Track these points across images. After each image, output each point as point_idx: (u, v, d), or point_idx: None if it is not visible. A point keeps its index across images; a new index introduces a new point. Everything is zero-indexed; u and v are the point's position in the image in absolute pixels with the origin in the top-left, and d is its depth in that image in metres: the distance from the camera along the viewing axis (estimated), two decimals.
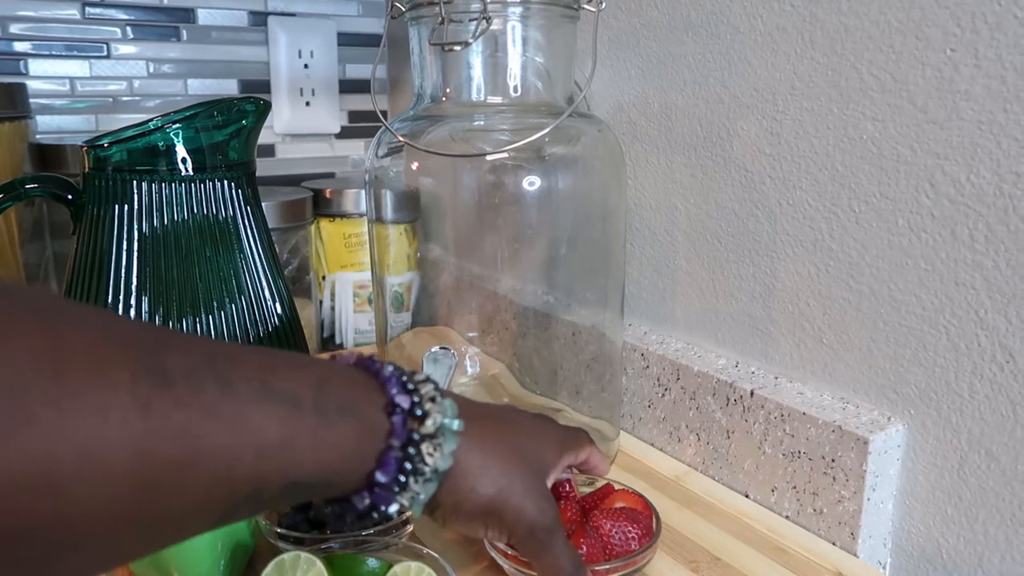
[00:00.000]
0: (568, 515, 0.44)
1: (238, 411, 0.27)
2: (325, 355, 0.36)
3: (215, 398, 0.26)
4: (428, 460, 0.33)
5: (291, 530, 0.44)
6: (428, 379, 0.35)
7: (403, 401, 0.33)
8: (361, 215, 0.89)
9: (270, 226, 0.56)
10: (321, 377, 0.31)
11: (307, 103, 0.98)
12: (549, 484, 0.41)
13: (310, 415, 0.29)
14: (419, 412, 0.33)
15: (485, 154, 0.53)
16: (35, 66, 0.84)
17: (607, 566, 0.42)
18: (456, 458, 0.35)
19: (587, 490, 0.49)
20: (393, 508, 0.33)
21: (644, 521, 0.45)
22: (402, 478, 0.32)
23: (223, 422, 0.26)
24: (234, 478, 0.27)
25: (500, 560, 0.43)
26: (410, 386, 0.34)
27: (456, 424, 0.34)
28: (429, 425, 0.33)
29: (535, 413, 0.44)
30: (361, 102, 1.03)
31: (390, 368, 0.34)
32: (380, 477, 0.32)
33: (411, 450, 0.32)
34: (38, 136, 0.82)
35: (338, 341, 0.91)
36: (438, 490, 0.35)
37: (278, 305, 0.54)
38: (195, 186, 0.50)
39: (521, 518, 0.37)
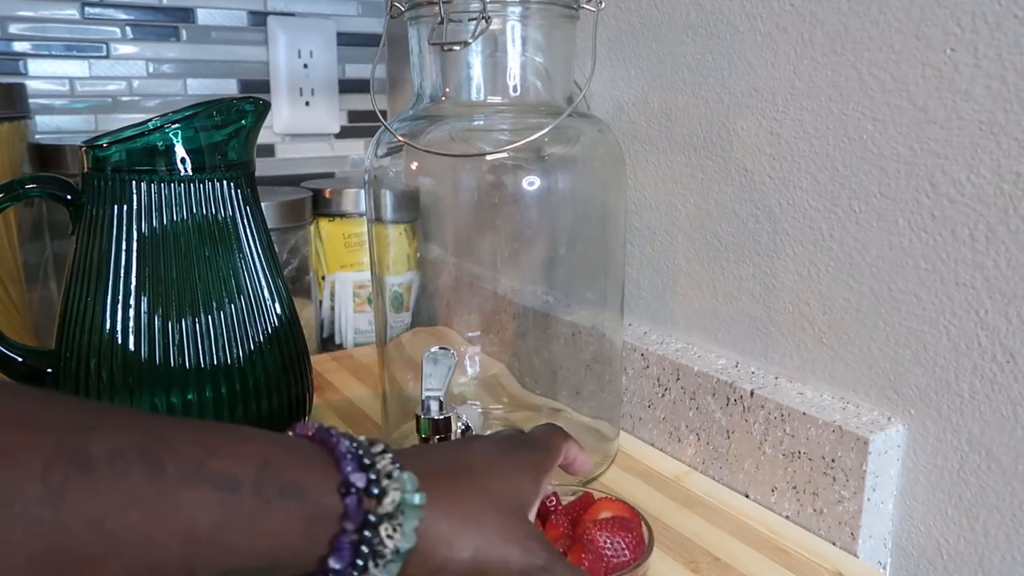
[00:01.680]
0: (560, 530, 0.43)
1: (165, 497, 0.25)
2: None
3: (140, 484, 0.25)
4: (388, 543, 0.30)
5: None
6: (386, 449, 0.33)
7: (358, 480, 0.30)
8: (361, 215, 0.89)
9: (270, 226, 0.55)
10: (266, 454, 0.29)
11: (307, 103, 0.98)
12: (533, 515, 0.38)
13: (248, 498, 0.27)
14: (375, 491, 0.30)
15: (485, 154, 0.53)
16: (34, 66, 0.84)
17: None
18: (421, 532, 0.32)
19: (572, 499, 0.47)
20: None
21: (635, 529, 0.43)
22: (360, 562, 0.30)
23: (146, 510, 0.25)
24: (157, 569, 0.25)
25: None
26: (367, 461, 0.31)
27: (418, 498, 0.31)
28: (387, 504, 0.30)
29: (501, 437, 0.41)
30: (361, 102, 1.03)
31: (346, 443, 0.32)
32: (334, 564, 0.30)
33: (368, 533, 0.30)
34: (37, 136, 0.82)
35: (337, 341, 0.91)
36: (407, 565, 0.32)
37: (277, 305, 0.54)
38: (194, 186, 0.50)
39: (509, 569, 0.34)
